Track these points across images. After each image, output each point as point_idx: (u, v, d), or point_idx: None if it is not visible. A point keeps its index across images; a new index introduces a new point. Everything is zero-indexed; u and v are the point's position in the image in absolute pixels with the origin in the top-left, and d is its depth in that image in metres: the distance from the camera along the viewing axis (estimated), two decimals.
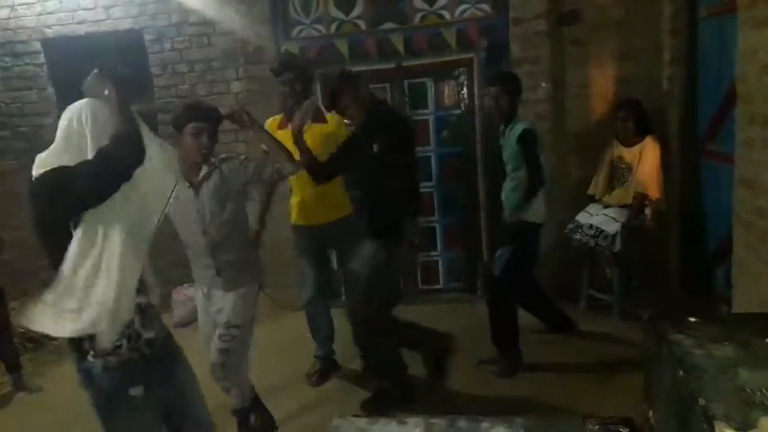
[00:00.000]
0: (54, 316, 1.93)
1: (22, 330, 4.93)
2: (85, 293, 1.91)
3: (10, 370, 4.31)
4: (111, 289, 1.91)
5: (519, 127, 3.80)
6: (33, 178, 1.99)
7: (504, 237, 4.01)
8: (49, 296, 1.94)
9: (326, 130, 3.76)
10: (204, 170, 2.99)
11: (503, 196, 4.06)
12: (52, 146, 2.03)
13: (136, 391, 2.06)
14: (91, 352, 2.01)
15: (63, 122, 2.05)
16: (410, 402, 3.52)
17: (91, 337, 1.99)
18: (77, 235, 1.91)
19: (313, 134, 3.57)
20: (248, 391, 3.27)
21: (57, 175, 1.93)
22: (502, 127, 3.94)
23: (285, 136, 3.40)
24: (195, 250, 3.09)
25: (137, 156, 1.93)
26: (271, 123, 3.88)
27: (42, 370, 4.65)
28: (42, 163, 1.99)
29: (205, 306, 3.19)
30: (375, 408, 3.51)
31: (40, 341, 5.02)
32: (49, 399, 4.20)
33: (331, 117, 3.77)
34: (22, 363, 4.43)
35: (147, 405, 2.09)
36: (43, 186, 1.96)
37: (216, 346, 3.06)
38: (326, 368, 4.09)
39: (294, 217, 3.95)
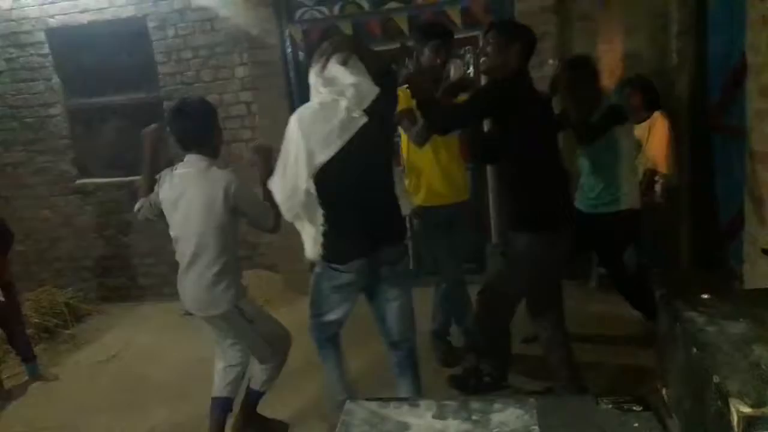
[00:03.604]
0: None
1: (36, 321, 5.00)
2: None
3: (24, 361, 4.34)
4: None
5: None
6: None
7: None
8: None
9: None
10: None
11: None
12: None
13: None
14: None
15: None
16: (496, 389, 3.40)
17: None
18: None
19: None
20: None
21: None
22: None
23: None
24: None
25: None
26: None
27: (57, 359, 4.69)
28: None
29: None
30: (461, 386, 3.49)
31: (54, 331, 5.08)
32: (64, 387, 4.24)
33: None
34: (37, 353, 4.46)
35: None
36: None
37: None
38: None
39: (422, 197, 3.64)
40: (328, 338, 2.95)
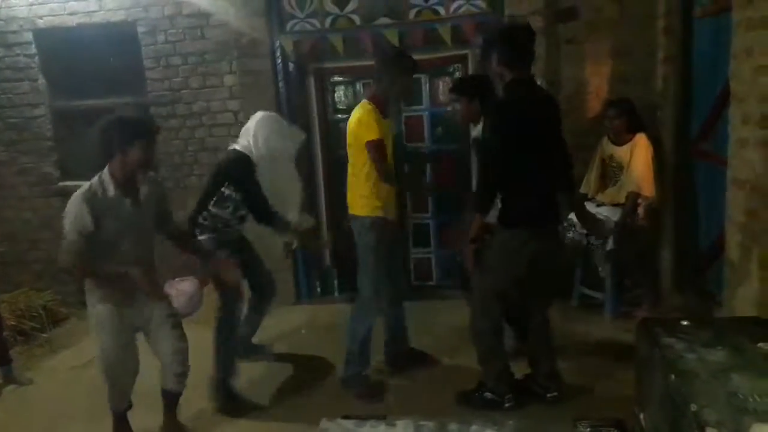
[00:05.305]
0: None
1: (12, 323, 4.93)
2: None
3: None
4: None
5: None
6: None
7: None
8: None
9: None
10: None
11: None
12: None
13: None
14: None
15: None
16: (500, 408, 3.34)
17: None
18: None
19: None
20: None
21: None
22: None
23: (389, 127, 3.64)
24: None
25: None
26: (371, 112, 3.51)
27: (32, 363, 4.63)
28: None
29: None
30: (467, 402, 3.44)
31: (30, 334, 5.01)
32: (39, 392, 4.18)
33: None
34: (12, 356, 4.40)
35: None
36: None
37: (174, 335, 3.25)
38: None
39: (381, 208, 3.60)
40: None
